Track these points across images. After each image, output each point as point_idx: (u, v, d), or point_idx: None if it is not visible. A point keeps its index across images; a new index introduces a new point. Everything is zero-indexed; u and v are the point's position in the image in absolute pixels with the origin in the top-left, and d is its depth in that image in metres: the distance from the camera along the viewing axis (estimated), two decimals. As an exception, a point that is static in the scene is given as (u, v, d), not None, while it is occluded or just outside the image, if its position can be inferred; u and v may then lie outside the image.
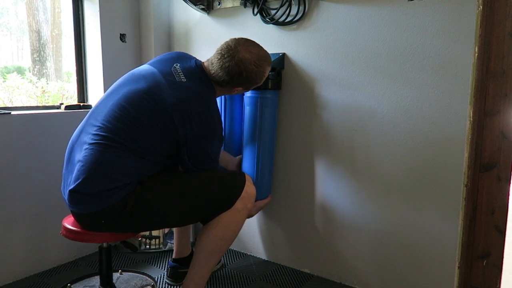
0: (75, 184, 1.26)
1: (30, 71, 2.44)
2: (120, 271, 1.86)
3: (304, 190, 1.86)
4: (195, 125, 1.34)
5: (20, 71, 2.40)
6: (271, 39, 1.86)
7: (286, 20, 1.78)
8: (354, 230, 1.73)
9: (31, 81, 2.32)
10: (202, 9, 2.03)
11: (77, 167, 1.29)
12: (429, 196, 1.53)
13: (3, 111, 1.71)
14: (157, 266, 1.95)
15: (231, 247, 2.15)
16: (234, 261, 2.02)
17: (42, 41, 2.54)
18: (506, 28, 1.39)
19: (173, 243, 1.94)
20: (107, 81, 2.06)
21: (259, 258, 2.05)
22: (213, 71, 1.43)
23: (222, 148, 1.80)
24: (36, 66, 2.49)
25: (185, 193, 1.39)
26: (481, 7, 1.38)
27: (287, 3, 1.75)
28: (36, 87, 2.32)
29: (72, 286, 1.72)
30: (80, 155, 1.31)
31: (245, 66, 1.40)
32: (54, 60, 2.60)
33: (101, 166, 1.27)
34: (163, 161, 1.40)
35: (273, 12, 1.81)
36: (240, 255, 2.09)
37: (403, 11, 1.51)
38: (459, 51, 1.41)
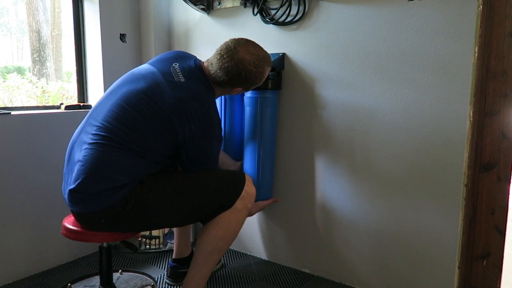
0: (75, 184, 1.26)
1: (30, 71, 2.44)
2: (120, 271, 1.86)
3: (304, 190, 1.86)
4: (193, 125, 1.34)
5: (20, 71, 2.40)
6: (271, 39, 1.86)
7: (286, 20, 1.78)
8: (354, 230, 1.73)
9: (31, 81, 2.32)
10: (202, 9, 2.03)
11: (77, 167, 1.29)
12: (429, 196, 1.53)
13: (3, 111, 1.71)
14: (157, 266, 1.95)
15: (231, 247, 2.15)
16: (234, 261, 2.02)
17: (42, 41, 2.55)
18: (506, 28, 1.39)
19: (173, 243, 1.95)
20: (107, 81, 2.06)
21: (259, 258, 2.05)
22: (212, 72, 1.43)
23: (222, 148, 1.80)
24: (36, 66, 2.49)
25: (185, 193, 1.39)
26: (481, 7, 1.38)
27: (287, 3, 1.75)
28: (36, 87, 2.32)
29: (72, 286, 1.72)
30: (79, 154, 1.31)
31: (244, 66, 1.40)
32: (54, 60, 2.60)
33: (100, 166, 1.27)
34: (163, 161, 1.40)
35: (273, 12, 1.81)
36: (240, 255, 2.09)
37: (403, 11, 1.51)
38: (459, 51, 1.41)
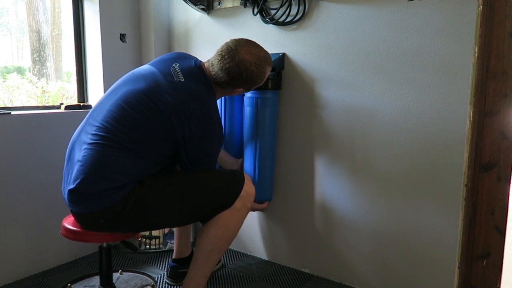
0: (74, 184, 1.26)
1: (30, 71, 2.44)
2: (120, 271, 1.86)
3: (304, 190, 1.86)
4: (193, 125, 1.34)
5: (20, 71, 2.40)
6: (271, 39, 1.86)
7: (286, 20, 1.78)
8: (354, 230, 1.73)
9: (31, 81, 2.32)
10: (202, 9, 2.03)
11: (76, 167, 1.29)
12: (429, 196, 1.53)
13: (3, 111, 1.71)
14: (157, 266, 1.95)
15: (231, 247, 2.15)
16: (234, 261, 2.02)
17: (42, 41, 2.55)
18: (506, 28, 1.39)
19: (173, 243, 1.95)
20: (107, 81, 2.06)
21: (259, 258, 2.05)
22: (213, 72, 1.43)
23: (222, 147, 1.80)
24: (36, 66, 2.49)
25: (185, 193, 1.39)
26: (481, 7, 1.38)
27: (287, 3, 1.75)
28: (36, 87, 2.32)
29: (72, 286, 1.72)
30: (79, 155, 1.31)
31: (245, 67, 1.40)
32: (54, 60, 2.60)
33: (100, 166, 1.27)
34: (163, 161, 1.40)
35: (273, 12, 1.81)
36: (240, 255, 2.09)
37: (403, 11, 1.51)
38: (459, 51, 1.41)
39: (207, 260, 1.46)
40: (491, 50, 1.41)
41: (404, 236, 1.60)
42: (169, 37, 2.26)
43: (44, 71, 2.51)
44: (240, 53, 1.39)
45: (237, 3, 1.91)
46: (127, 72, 1.49)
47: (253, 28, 1.90)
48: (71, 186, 1.27)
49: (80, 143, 1.34)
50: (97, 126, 1.32)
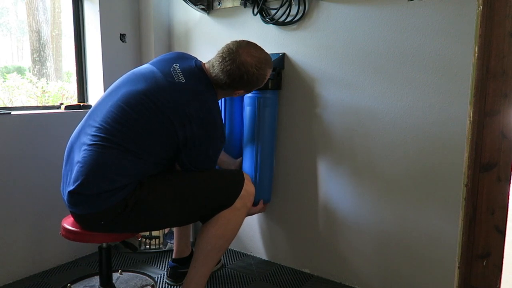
0: (74, 186, 1.26)
1: (30, 71, 2.44)
2: (120, 271, 1.86)
3: (304, 190, 1.86)
4: (195, 125, 1.34)
5: (20, 71, 2.40)
6: (271, 39, 1.86)
7: (286, 20, 1.78)
8: (354, 230, 1.73)
9: (31, 81, 2.32)
10: (202, 9, 2.03)
11: (76, 168, 1.28)
12: (429, 196, 1.53)
13: (3, 111, 1.71)
14: (157, 266, 1.95)
15: (231, 247, 2.15)
16: (234, 261, 2.02)
17: (42, 41, 2.54)
18: (506, 28, 1.38)
19: (173, 243, 1.94)
20: (107, 81, 2.06)
21: (259, 258, 2.05)
22: (214, 74, 1.42)
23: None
24: (36, 66, 2.49)
25: (185, 193, 1.39)
26: (481, 7, 1.38)
27: (287, 3, 1.75)
28: (36, 87, 2.32)
29: (72, 286, 1.72)
30: (79, 156, 1.30)
31: (246, 69, 1.39)
32: (54, 60, 2.60)
33: (100, 168, 1.26)
34: (163, 162, 1.40)
35: (273, 12, 1.81)
36: (240, 255, 2.09)
37: (403, 11, 1.51)
38: (459, 51, 1.41)
39: (207, 260, 1.46)
40: (491, 50, 1.41)
41: (404, 236, 1.60)
42: (169, 37, 2.26)
43: (44, 71, 2.51)
44: (241, 55, 1.39)
45: (237, 3, 1.91)
46: (127, 72, 1.49)
47: (253, 28, 1.90)
48: (71, 188, 1.27)
49: (80, 144, 1.33)
50: (96, 127, 1.32)
